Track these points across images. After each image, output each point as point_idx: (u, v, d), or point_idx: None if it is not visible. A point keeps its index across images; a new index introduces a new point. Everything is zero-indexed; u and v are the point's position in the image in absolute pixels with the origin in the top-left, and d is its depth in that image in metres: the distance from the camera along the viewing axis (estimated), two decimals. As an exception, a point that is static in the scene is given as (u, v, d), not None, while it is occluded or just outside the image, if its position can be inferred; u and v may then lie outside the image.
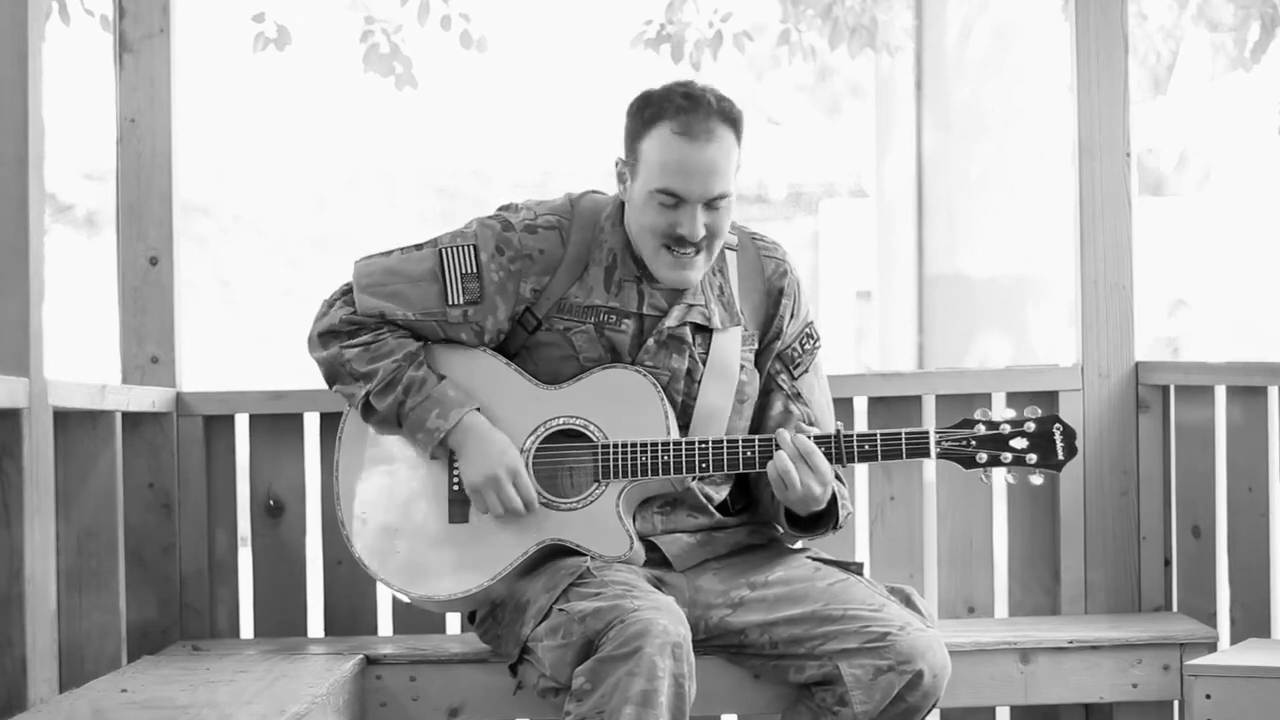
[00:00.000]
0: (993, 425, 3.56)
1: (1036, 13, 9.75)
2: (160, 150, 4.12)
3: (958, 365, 9.16)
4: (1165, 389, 4.18)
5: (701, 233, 3.50)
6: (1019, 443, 3.55)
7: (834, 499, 3.58)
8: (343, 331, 3.63)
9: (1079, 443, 3.66)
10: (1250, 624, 3.88)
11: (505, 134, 17.12)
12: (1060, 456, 3.55)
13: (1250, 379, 3.88)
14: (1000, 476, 3.57)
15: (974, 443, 3.55)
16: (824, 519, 3.60)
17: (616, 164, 3.57)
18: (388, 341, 3.60)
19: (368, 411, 3.61)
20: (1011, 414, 3.57)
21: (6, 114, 3.18)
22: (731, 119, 3.50)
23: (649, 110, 3.50)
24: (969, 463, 3.55)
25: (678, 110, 3.47)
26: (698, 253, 3.53)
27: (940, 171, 9.77)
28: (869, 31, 8.91)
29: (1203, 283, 15.35)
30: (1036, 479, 3.57)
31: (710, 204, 3.50)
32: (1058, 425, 3.56)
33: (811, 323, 3.74)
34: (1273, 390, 3.84)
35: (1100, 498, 4.18)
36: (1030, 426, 3.55)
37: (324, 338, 3.64)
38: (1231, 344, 14.88)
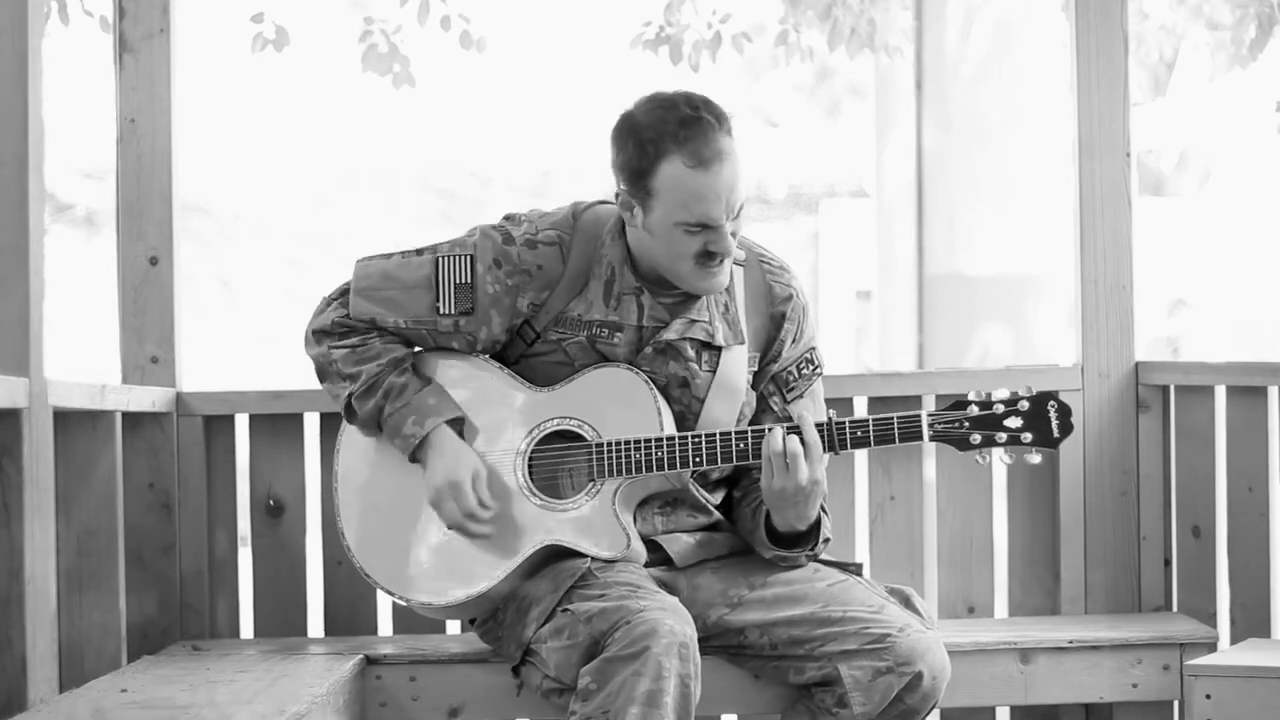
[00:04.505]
0: (986, 405, 3.50)
1: (1036, 12, 9.75)
2: (160, 150, 4.12)
3: (957, 365, 9.16)
4: (1165, 389, 4.18)
5: (733, 244, 3.48)
6: (1013, 422, 3.49)
7: (818, 522, 3.55)
8: (334, 332, 3.63)
9: (1076, 421, 3.59)
10: (1250, 624, 3.88)
11: (504, 134, 17.10)
12: (1056, 434, 3.49)
13: (1250, 379, 3.87)
14: (997, 457, 3.51)
15: (968, 424, 3.50)
16: (804, 539, 3.57)
17: (617, 196, 3.52)
18: (374, 345, 3.60)
19: (349, 413, 3.62)
20: (1005, 393, 3.50)
21: (6, 114, 3.18)
22: (726, 125, 3.44)
23: (648, 145, 3.42)
24: (963, 444, 3.50)
25: (680, 140, 3.41)
26: (725, 259, 3.51)
27: (940, 171, 9.77)
28: (868, 32, 8.91)
29: (1203, 283, 15.34)
30: (1034, 458, 3.52)
31: (734, 215, 3.48)
32: (1052, 403, 3.50)
33: (814, 349, 3.68)
34: (1273, 390, 3.84)
35: (1100, 498, 4.17)
36: (1024, 405, 3.50)
37: (316, 335, 3.65)
38: (1231, 344, 14.88)
